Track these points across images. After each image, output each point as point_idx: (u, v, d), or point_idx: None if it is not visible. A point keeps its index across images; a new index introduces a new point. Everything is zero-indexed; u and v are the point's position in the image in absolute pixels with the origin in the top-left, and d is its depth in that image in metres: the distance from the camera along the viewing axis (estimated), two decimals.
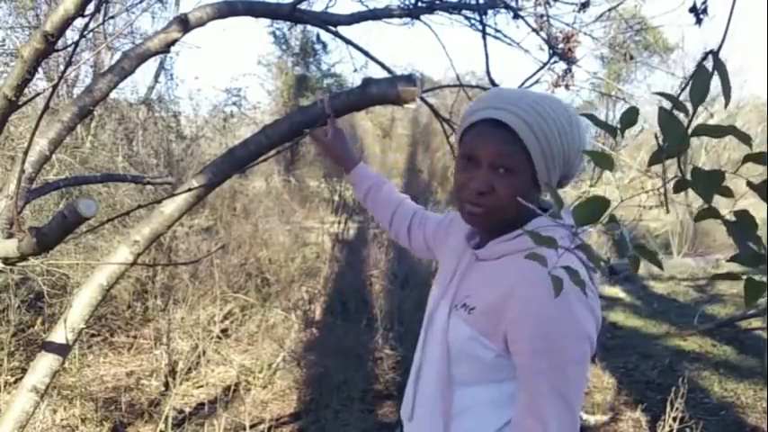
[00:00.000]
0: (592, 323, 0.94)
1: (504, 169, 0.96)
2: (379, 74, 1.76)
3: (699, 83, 0.49)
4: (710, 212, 0.52)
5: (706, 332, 4.75)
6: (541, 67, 2.36)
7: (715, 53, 0.49)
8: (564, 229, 0.93)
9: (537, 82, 2.30)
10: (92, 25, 4.30)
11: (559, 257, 0.60)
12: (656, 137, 0.51)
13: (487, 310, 0.97)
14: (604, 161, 0.56)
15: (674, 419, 2.65)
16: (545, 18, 2.49)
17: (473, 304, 1.00)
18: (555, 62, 2.50)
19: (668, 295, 6.17)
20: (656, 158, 0.52)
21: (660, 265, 0.55)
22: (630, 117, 0.55)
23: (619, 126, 0.56)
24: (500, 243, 1.02)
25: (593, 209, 0.55)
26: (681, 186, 0.52)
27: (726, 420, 3.36)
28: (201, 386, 3.54)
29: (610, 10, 2.63)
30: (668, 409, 2.69)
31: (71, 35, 3.86)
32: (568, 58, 2.53)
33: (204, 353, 3.70)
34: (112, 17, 5.01)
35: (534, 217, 1.02)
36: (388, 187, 1.45)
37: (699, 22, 2.15)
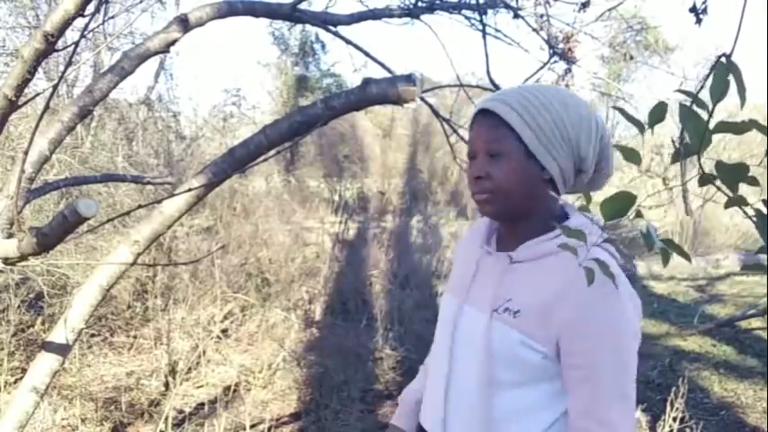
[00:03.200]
0: (637, 320, 0.95)
1: (495, 154, 0.99)
2: (379, 74, 1.76)
3: (718, 81, 0.49)
4: (738, 201, 0.51)
5: (706, 332, 4.74)
6: (541, 67, 2.37)
7: (728, 56, 0.49)
8: (597, 228, 0.95)
9: (537, 82, 2.31)
10: (92, 25, 4.30)
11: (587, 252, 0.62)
12: (673, 141, 0.52)
13: (535, 311, 0.96)
14: (631, 155, 0.57)
15: (674, 419, 2.65)
16: (545, 18, 2.50)
17: (516, 307, 0.98)
18: (555, 62, 2.51)
19: (668, 295, 6.16)
20: (676, 157, 0.53)
21: (688, 258, 0.56)
22: (659, 113, 0.55)
23: (647, 122, 0.56)
24: (539, 243, 1.00)
25: (620, 204, 0.56)
26: (705, 181, 0.52)
27: (726, 420, 3.36)
28: (201, 386, 3.54)
29: (610, 10, 2.62)
30: (668, 409, 2.68)
31: (71, 35, 3.86)
32: (568, 57, 2.53)
33: (204, 353, 3.70)
34: (112, 17, 5.01)
35: (555, 209, 1.03)
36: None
37: (699, 21, 2.15)
